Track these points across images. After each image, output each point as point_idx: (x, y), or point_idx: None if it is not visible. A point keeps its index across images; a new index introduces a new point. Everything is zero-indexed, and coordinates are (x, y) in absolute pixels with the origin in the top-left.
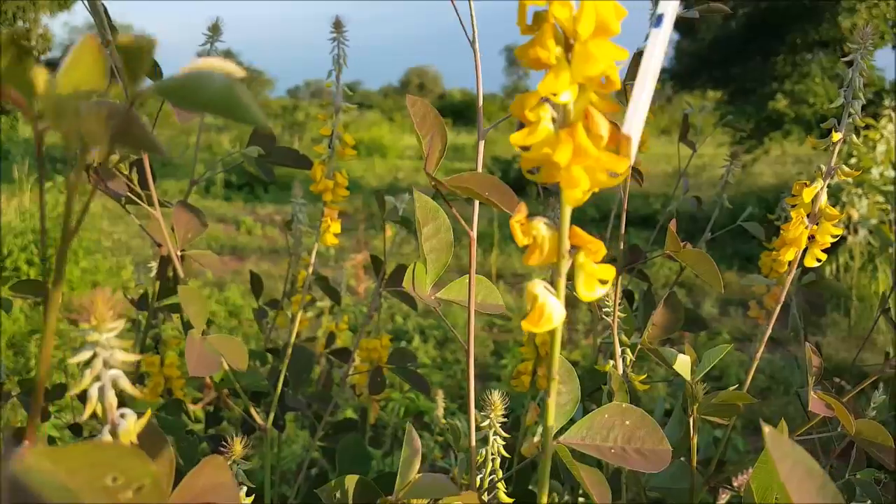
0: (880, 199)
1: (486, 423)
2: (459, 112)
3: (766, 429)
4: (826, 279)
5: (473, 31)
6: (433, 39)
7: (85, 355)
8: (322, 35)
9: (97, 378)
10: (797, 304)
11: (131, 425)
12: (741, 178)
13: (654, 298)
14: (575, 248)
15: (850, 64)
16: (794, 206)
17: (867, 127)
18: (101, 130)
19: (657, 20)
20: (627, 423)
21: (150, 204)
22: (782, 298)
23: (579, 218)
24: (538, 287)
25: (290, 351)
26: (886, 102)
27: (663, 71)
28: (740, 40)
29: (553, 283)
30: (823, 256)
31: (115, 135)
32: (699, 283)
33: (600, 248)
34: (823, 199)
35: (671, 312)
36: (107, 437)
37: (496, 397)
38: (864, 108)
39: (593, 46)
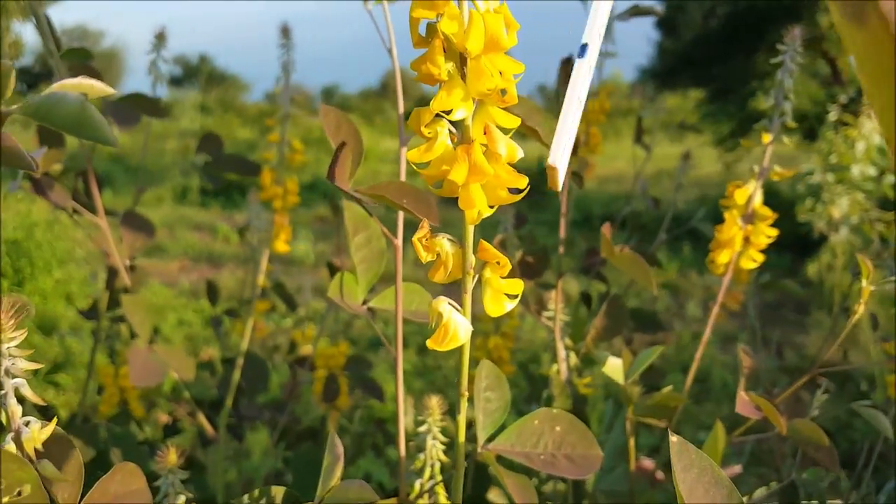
0: (860, 196)
1: (424, 427)
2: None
3: (674, 438)
4: (781, 280)
5: (391, 38)
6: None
7: None
8: (300, 37)
9: None
10: (753, 305)
11: (35, 433)
12: (725, 177)
13: (619, 301)
14: (482, 264)
15: (780, 66)
16: (727, 208)
17: (846, 125)
18: None
19: (581, 49)
20: (558, 428)
21: (96, 213)
22: (719, 298)
23: (546, 220)
24: (443, 304)
25: (240, 360)
26: (865, 99)
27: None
28: (721, 39)
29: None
30: (760, 257)
31: None
32: (683, 285)
33: (506, 264)
34: (758, 199)
35: (613, 316)
36: (9, 444)
37: (433, 402)
38: (844, 106)
39: (486, 62)
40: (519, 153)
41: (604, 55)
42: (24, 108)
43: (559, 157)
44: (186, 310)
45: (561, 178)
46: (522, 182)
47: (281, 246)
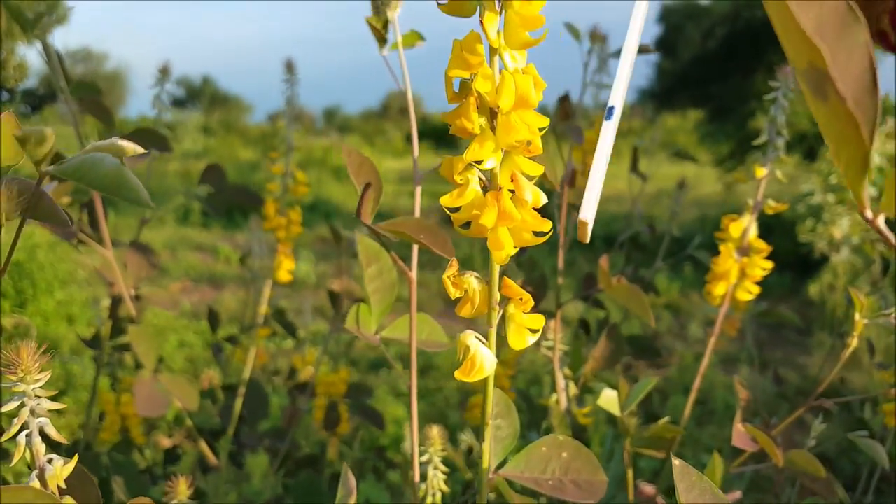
0: (861, 217)
1: (426, 457)
2: (441, 135)
3: (676, 462)
4: (777, 309)
5: (406, 82)
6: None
7: (12, 405)
8: (302, 59)
9: (24, 426)
10: (751, 332)
11: (58, 470)
12: (725, 197)
13: (616, 331)
14: (506, 300)
15: (773, 102)
16: (723, 241)
17: None
18: (13, 205)
19: (608, 112)
20: (564, 455)
21: (102, 244)
22: (716, 329)
23: (546, 242)
24: (470, 338)
25: (242, 389)
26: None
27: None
28: (719, 59)
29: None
30: (756, 289)
31: (26, 209)
32: (685, 306)
33: (529, 300)
34: (753, 232)
35: (611, 345)
36: (34, 481)
37: (435, 433)
38: None
39: (515, 118)
40: (543, 199)
41: (599, 86)
42: (63, 169)
43: (589, 213)
44: (188, 331)
45: (590, 230)
46: (547, 226)
47: (283, 275)
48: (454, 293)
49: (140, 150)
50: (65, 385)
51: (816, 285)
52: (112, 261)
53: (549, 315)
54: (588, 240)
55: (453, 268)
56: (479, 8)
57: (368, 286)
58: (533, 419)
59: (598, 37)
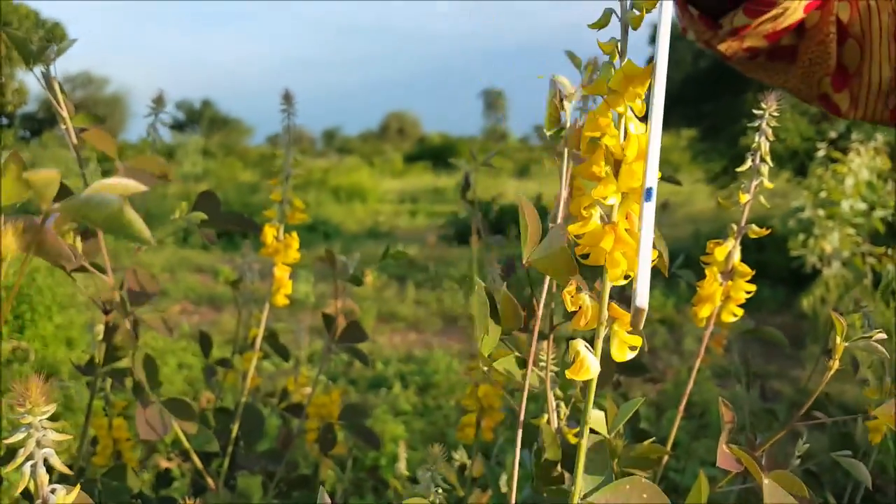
0: (851, 231)
1: (427, 476)
2: (439, 155)
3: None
4: (763, 328)
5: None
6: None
7: (19, 436)
8: (301, 81)
9: (30, 457)
10: (738, 351)
11: (61, 499)
12: (718, 213)
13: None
14: (612, 318)
15: (756, 129)
16: (707, 265)
17: (835, 161)
18: (17, 243)
19: (647, 194)
20: (644, 496)
21: (102, 271)
22: (701, 350)
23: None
24: (581, 345)
25: (240, 410)
26: (854, 135)
27: None
28: (711, 79)
29: (591, 342)
30: (740, 312)
31: (30, 245)
32: (680, 320)
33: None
34: (737, 256)
35: (603, 362)
36: None
37: (436, 450)
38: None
39: (636, 167)
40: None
41: (585, 111)
42: (67, 208)
43: (644, 299)
44: (186, 353)
45: (643, 317)
46: (654, 254)
47: (281, 300)
48: (571, 307)
49: (142, 187)
50: (63, 409)
51: (809, 299)
52: (112, 287)
53: (542, 336)
54: (641, 327)
55: (573, 286)
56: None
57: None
58: (525, 438)
59: (595, 66)
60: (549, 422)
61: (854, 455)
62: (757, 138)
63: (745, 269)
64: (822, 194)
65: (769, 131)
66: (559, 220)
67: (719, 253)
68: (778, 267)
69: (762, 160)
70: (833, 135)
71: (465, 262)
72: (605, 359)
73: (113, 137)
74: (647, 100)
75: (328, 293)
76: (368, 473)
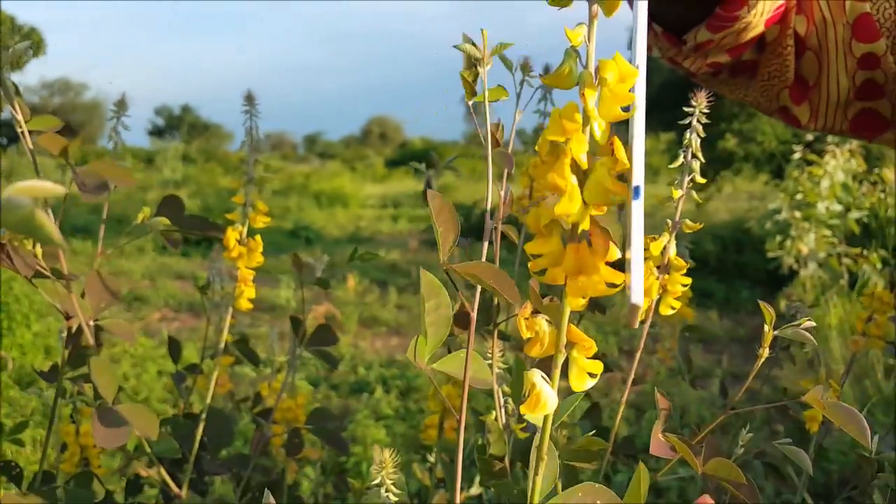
0: (827, 232)
1: (378, 480)
2: (421, 160)
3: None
4: (699, 325)
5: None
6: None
7: None
8: (283, 87)
9: None
10: (680, 348)
11: None
12: (697, 216)
13: None
14: (570, 344)
15: (688, 126)
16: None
17: (811, 163)
18: None
19: (635, 192)
20: (598, 503)
21: (60, 278)
22: (640, 344)
23: (523, 260)
24: (536, 376)
25: (203, 415)
26: (829, 138)
27: None
28: (688, 83)
29: (549, 372)
30: (677, 304)
31: None
32: (656, 319)
33: (592, 346)
34: (672, 251)
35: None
36: None
37: (386, 456)
38: (809, 144)
39: (607, 181)
40: (617, 254)
41: (543, 114)
42: None
43: (639, 296)
44: (167, 360)
45: (640, 314)
46: (620, 279)
47: (244, 304)
48: (526, 334)
49: (60, 190)
50: (42, 417)
51: (786, 299)
52: (70, 291)
53: (503, 335)
54: (637, 325)
55: (528, 310)
56: (578, 83)
57: (427, 318)
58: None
59: (528, 68)
60: (496, 418)
61: (806, 444)
62: (688, 135)
63: (681, 262)
64: (799, 196)
65: (700, 128)
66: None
67: (654, 248)
68: (756, 268)
69: (694, 156)
70: (809, 137)
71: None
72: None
73: (65, 141)
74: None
75: (309, 299)
76: (337, 477)
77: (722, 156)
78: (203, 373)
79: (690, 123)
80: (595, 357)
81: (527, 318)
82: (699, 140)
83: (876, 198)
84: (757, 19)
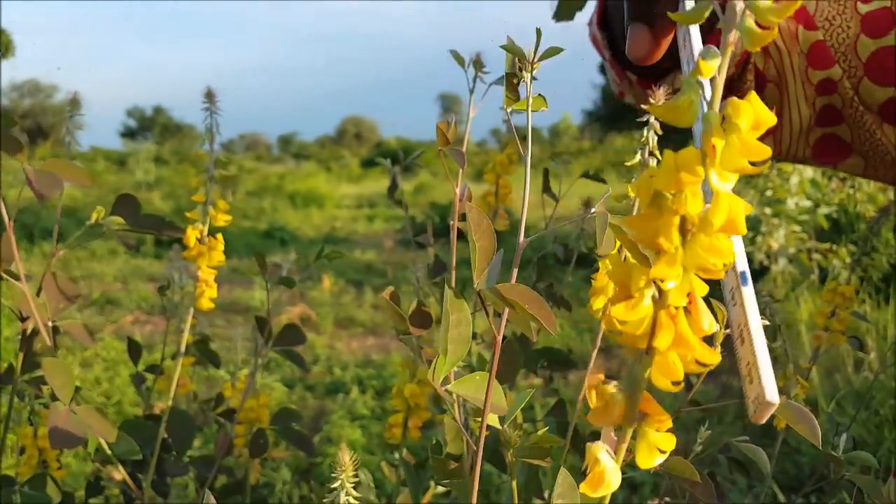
0: (797, 228)
1: (337, 484)
2: (396, 160)
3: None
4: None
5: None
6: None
7: None
8: (257, 87)
9: None
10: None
11: None
12: None
13: (511, 346)
14: (642, 415)
15: (645, 123)
16: (600, 257)
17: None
18: None
19: (743, 278)
20: None
21: (16, 279)
22: (597, 341)
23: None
24: (601, 451)
25: (165, 416)
26: None
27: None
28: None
29: (615, 447)
30: None
31: None
32: None
33: (666, 420)
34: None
35: (506, 360)
36: None
37: (346, 458)
38: None
39: (718, 241)
40: (715, 327)
41: (512, 112)
42: None
43: (774, 394)
44: (140, 364)
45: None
46: (716, 359)
47: (205, 304)
48: (595, 403)
49: None
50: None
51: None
52: (28, 293)
53: None
54: (763, 421)
55: (599, 377)
56: (703, 124)
57: (447, 335)
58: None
59: (479, 63)
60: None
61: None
62: (645, 132)
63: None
64: (768, 192)
65: (657, 125)
66: (520, 236)
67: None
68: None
69: (651, 154)
70: None
71: (467, 266)
72: (512, 355)
73: (21, 142)
74: None
75: (284, 301)
76: (299, 475)
77: None
78: (164, 373)
79: (648, 121)
80: (560, 358)
81: (597, 387)
82: (655, 138)
83: (845, 194)
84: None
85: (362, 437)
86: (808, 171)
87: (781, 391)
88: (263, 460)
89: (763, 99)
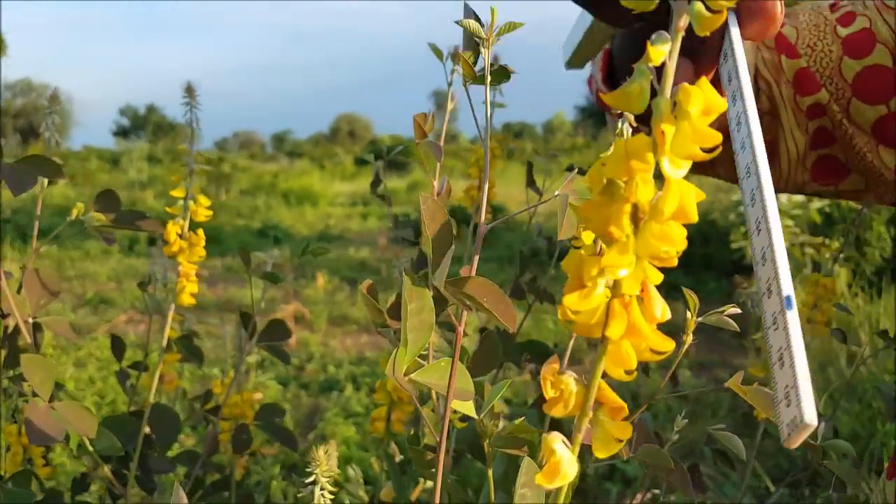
0: (789, 222)
1: (312, 478)
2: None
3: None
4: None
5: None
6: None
7: None
8: (250, 85)
9: None
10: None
11: None
12: None
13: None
14: (597, 404)
15: (619, 115)
16: (576, 248)
17: None
18: None
19: (787, 302)
20: None
21: None
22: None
23: (497, 256)
24: (557, 442)
25: (147, 413)
26: None
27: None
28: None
29: (571, 435)
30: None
31: None
32: None
33: (623, 409)
34: (600, 245)
35: (484, 352)
36: None
37: (321, 453)
38: None
39: (670, 228)
40: (668, 314)
41: (494, 105)
42: None
43: (813, 416)
44: (126, 361)
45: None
46: (670, 346)
47: (186, 299)
48: (550, 393)
49: None
50: None
51: (752, 289)
52: (6, 290)
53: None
54: (797, 445)
55: (554, 366)
56: (653, 111)
57: (407, 323)
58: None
59: (459, 57)
60: (434, 409)
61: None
62: (619, 125)
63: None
64: None
65: (631, 118)
66: (481, 227)
67: (586, 237)
68: (722, 259)
69: None
70: None
71: (461, 249)
72: (490, 347)
73: None
74: None
75: (279, 298)
76: (286, 471)
77: None
78: (147, 370)
79: (622, 113)
80: (544, 351)
81: (552, 376)
82: (630, 131)
83: None
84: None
85: (356, 435)
86: None
87: (762, 381)
88: (252, 455)
89: (763, 128)
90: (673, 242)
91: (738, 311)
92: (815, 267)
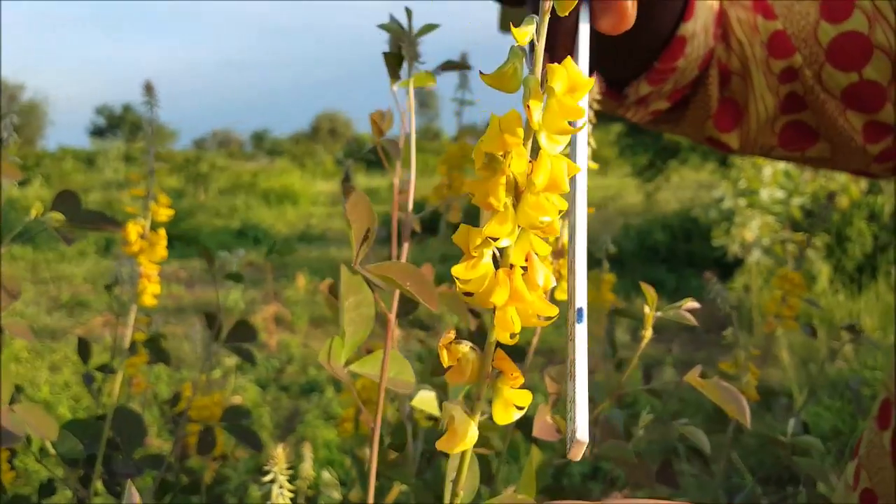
0: (771, 219)
1: (270, 476)
2: (370, 157)
3: None
4: (627, 308)
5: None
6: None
7: None
8: (229, 83)
9: None
10: (607, 331)
11: None
12: (647, 206)
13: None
14: (496, 372)
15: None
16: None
17: None
18: None
19: (578, 315)
20: None
21: None
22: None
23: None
24: (457, 409)
25: (110, 415)
26: None
27: None
28: None
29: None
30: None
31: None
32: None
33: (520, 377)
34: (564, 237)
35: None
36: None
37: (279, 452)
38: None
39: (543, 199)
40: (552, 282)
41: (463, 102)
42: None
43: (585, 433)
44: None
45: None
46: (554, 311)
47: (148, 300)
48: (447, 361)
49: None
50: None
51: (734, 286)
52: None
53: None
54: (579, 458)
55: (450, 336)
56: (523, 88)
57: (345, 317)
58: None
59: (415, 55)
60: (399, 409)
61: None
62: (588, 111)
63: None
64: (742, 184)
65: (591, 113)
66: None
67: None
68: (704, 257)
69: (589, 144)
70: None
71: (444, 243)
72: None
73: None
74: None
75: (259, 299)
76: (257, 473)
77: (669, 145)
78: (114, 372)
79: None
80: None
81: (448, 345)
82: (590, 126)
83: (818, 184)
84: (692, 64)
85: (337, 437)
86: (781, 163)
87: (731, 378)
88: (223, 458)
89: (729, 91)
90: (546, 212)
91: (697, 305)
92: (796, 263)
